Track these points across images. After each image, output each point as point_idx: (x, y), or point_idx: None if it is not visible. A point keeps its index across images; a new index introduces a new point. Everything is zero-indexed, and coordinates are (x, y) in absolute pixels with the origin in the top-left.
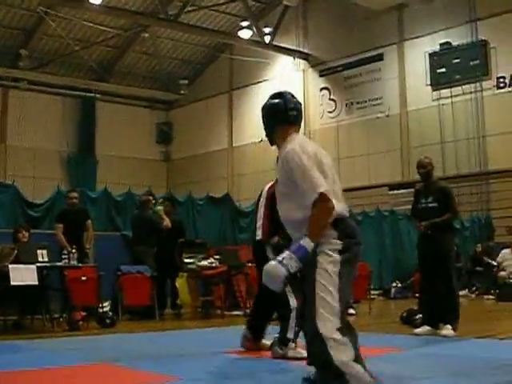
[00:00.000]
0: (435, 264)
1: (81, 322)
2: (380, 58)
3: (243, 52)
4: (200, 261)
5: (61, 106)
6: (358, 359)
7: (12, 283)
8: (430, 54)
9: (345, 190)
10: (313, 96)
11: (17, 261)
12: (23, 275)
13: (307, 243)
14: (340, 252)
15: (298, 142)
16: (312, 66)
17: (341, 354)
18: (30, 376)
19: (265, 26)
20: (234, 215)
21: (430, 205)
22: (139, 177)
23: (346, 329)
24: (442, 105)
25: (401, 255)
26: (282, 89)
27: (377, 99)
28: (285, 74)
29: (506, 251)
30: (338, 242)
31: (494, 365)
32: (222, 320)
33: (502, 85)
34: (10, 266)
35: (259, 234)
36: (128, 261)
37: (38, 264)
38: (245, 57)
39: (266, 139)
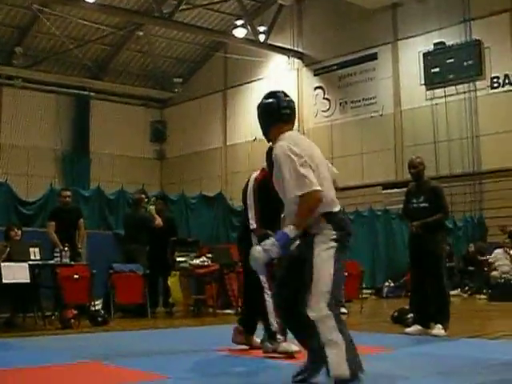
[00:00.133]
0: (426, 264)
1: (73, 320)
2: (374, 57)
3: (238, 51)
4: (192, 259)
5: (55, 103)
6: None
7: (4, 281)
8: (424, 54)
9: (338, 189)
10: (307, 95)
11: (9, 259)
12: (15, 273)
13: (290, 231)
14: (335, 241)
15: (288, 138)
16: (306, 65)
17: (327, 327)
18: (17, 374)
19: (259, 25)
20: (227, 214)
21: (422, 205)
22: (133, 175)
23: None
24: (436, 104)
25: (393, 254)
26: (276, 88)
27: (371, 98)
28: (279, 73)
29: (498, 251)
30: (333, 232)
31: (482, 364)
32: (214, 318)
33: (495, 85)
34: (2, 264)
35: (253, 224)
36: (120, 259)
37: (30, 262)
38: (239, 55)
39: (260, 138)
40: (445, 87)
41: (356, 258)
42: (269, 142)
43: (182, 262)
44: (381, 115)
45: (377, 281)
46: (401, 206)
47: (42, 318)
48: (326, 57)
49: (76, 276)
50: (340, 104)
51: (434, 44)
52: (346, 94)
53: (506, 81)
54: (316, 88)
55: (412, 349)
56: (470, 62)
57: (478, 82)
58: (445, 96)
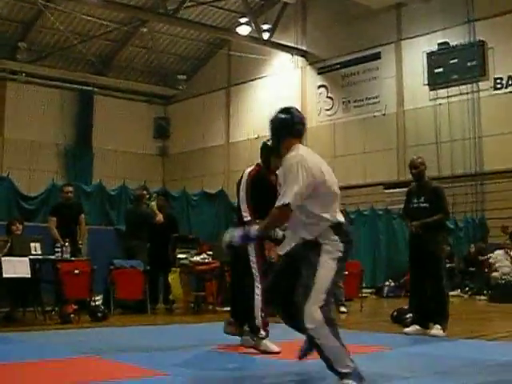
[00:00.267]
0: (426, 264)
1: (73, 316)
2: (378, 56)
3: (241, 48)
4: (193, 256)
5: (59, 98)
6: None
7: (4, 275)
8: (427, 54)
9: (340, 188)
10: (310, 93)
11: (10, 253)
12: (16, 267)
13: (253, 230)
14: (341, 252)
15: (301, 151)
16: (310, 64)
17: (322, 334)
18: (17, 368)
19: (263, 23)
20: (228, 211)
21: (422, 205)
22: (135, 171)
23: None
24: (439, 105)
25: (394, 254)
26: (279, 86)
27: (374, 98)
28: (283, 71)
29: (498, 252)
30: (340, 244)
31: (480, 365)
32: (214, 315)
33: (498, 86)
34: (3, 258)
35: (247, 216)
36: (121, 255)
37: (31, 256)
38: (243, 53)
39: (263, 136)
40: (448, 87)
41: (357, 257)
42: (278, 153)
43: (182, 258)
44: (383, 115)
45: (377, 280)
46: (402, 205)
47: (42, 312)
48: (330, 55)
49: (76, 271)
50: (343, 103)
51: (438, 44)
52: (349, 92)
53: (510, 82)
54: (319, 86)
55: (410, 349)
56: (473, 63)
57: (481, 83)
58: (448, 96)
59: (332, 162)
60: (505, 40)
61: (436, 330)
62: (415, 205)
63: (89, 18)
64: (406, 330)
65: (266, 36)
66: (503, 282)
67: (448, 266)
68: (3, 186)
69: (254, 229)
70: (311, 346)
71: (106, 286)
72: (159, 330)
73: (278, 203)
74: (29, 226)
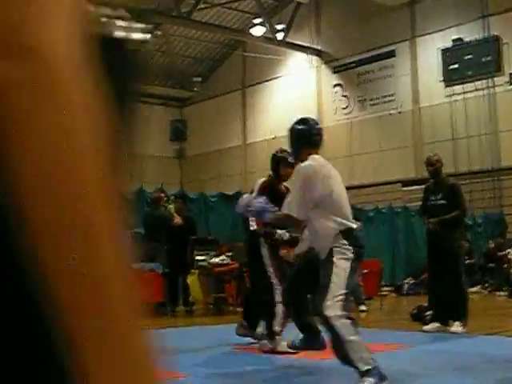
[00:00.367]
0: (444, 261)
1: None
2: (392, 54)
3: (256, 49)
4: (212, 258)
5: None
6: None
7: None
8: (442, 50)
9: (357, 187)
10: (326, 92)
11: None
12: None
13: (271, 214)
14: (352, 253)
15: (313, 161)
16: (325, 63)
17: (343, 325)
18: None
19: (277, 23)
20: None
21: (439, 202)
22: (152, 174)
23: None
24: (455, 101)
25: (413, 252)
26: (295, 86)
27: (389, 96)
28: (298, 71)
29: None
30: (350, 248)
31: (499, 361)
32: (234, 316)
33: None
34: None
35: (253, 225)
36: (139, 258)
37: None
38: (258, 54)
39: (280, 136)
40: (463, 84)
41: (376, 256)
42: (296, 161)
43: (201, 260)
44: (399, 112)
45: (397, 278)
46: (420, 203)
47: None
48: (345, 54)
49: None
50: (359, 101)
51: (453, 40)
52: (365, 91)
53: None
54: (335, 85)
55: (430, 346)
56: (488, 58)
57: (496, 78)
58: (463, 92)
59: (349, 161)
60: None
61: (456, 326)
62: (432, 202)
63: None
64: (426, 327)
65: (280, 36)
66: None
67: (467, 262)
68: None
69: (271, 214)
70: (306, 345)
71: None
72: (179, 331)
73: (284, 210)
74: None
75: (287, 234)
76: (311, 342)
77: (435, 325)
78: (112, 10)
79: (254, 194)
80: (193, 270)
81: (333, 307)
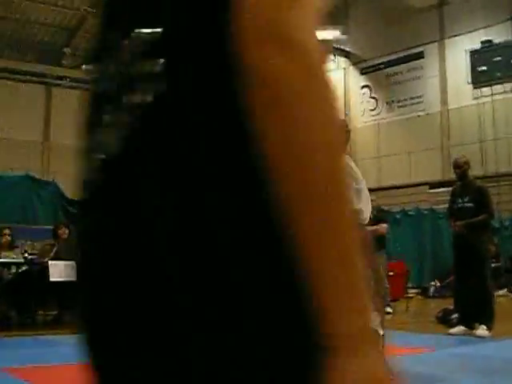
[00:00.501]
0: (470, 264)
1: None
2: (421, 55)
3: None
4: None
5: None
6: None
7: (51, 279)
8: (470, 52)
9: (384, 189)
10: (354, 94)
11: (56, 257)
12: (62, 271)
13: None
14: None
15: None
16: (353, 64)
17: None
18: (62, 371)
19: None
20: None
21: (467, 205)
22: None
23: None
24: (483, 103)
25: (440, 254)
26: None
27: (417, 97)
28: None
29: None
30: None
31: None
32: None
33: None
34: (50, 262)
35: None
36: None
37: None
38: None
39: None
40: (492, 85)
41: (402, 258)
42: None
43: None
44: (427, 114)
45: (423, 280)
46: (447, 205)
47: None
48: (373, 55)
49: None
50: (387, 103)
51: (481, 42)
52: (393, 92)
53: None
54: (363, 87)
55: (455, 349)
56: None
57: None
58: (492, 94)
59: (376, 162)
60: None
61: (481, 330)
62: (459, 205)
63: None
64: (452, 330)
65: None
66: None
67: (494, 265)
68: (49, 191)
69: None
70: None
71: None
72: None
73: None
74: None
75: None
76: None
77: (461, 328)
78: None
79: None
80: None
81: None
